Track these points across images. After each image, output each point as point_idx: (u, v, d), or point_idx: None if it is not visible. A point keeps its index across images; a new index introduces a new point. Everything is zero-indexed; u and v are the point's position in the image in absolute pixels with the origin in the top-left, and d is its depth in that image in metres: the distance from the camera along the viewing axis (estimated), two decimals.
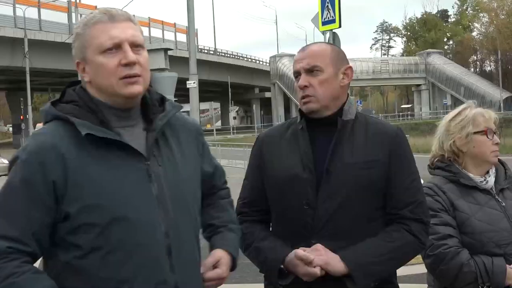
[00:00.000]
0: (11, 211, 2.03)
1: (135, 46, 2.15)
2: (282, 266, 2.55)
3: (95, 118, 2.12)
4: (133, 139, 2.15)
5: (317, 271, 2.44)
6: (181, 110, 2.38)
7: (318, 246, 2.50)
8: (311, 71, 2.60)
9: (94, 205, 2.04)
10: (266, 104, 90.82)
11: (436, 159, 3.20)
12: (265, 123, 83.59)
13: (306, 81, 2.60)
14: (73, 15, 50.09)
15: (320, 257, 2.46)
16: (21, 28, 48.44)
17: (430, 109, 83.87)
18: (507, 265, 2.88)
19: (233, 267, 2.39)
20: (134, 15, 2.23)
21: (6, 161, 28.83)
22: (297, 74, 2.66)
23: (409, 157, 2.67)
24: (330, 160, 2.56)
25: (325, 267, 2.45)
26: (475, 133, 3.06)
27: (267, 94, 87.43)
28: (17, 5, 50.22)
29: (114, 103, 2.16)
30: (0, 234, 1.99)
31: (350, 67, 2.70)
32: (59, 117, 2.12)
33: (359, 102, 79.71)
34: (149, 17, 64.54)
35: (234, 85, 77.53)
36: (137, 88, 2.13)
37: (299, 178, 2.58)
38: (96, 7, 55.60)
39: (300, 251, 2.48)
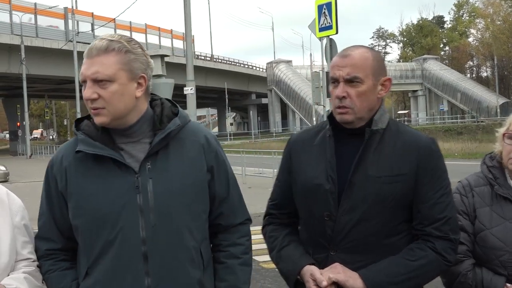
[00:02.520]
0: (43, 211, 2.50)
1: (98, 81, 2.29)
2: (298, 277, 2.53)
3: (100, 134, 2.36)
4: (134, 154, 2.37)
5: None
6: (188, 122, 2.48)
7: (337, 265, 2.45)
8: (351, 81, 2.47)
9: (79, 212, 2.36)
10: (263, 110, 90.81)
11: (490, 154, 2.93)
12: (262, 129, 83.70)
13: (344, 91, 2.47)
14: (70, 21, 50.01)
15: (339, 274, 2.41)
16: (18, 35, 48.33)
17: (427, 115, 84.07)
18: (507, 285, 2.71)
19: None
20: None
21: (3, 168, 28.86)
22: (334, 80, 2.53)
23: (440, 170, 2.52)
24: (354, 172, 2.47)
25: (344, 284, 2.40)
26: (504, 134, 2.81)
27: (264, 100, 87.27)
28: (13, 12, 50.10)
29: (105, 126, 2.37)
30: (40, 235, 2.50)
31: (389, 79, 2.57)
32: (75, 132, 2.42)
33: None
34: (145, 24, 64.55)
35: (231, 91, 77.50)
36: (100, 119, 2.33)
37: (322, 189, 2.51)
38: (92, 13, 55.71)
39: (316, 272, 2.45)
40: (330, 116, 2.59)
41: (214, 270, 2.51)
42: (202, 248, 2.42)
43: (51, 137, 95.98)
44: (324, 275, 2.42)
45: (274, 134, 74.80)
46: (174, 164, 2.37)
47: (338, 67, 2.50)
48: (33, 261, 2.53)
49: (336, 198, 2.48)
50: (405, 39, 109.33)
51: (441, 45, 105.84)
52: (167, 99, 2.54)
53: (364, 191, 2.44)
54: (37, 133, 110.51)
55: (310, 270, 2.47)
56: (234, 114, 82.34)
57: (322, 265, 2.49)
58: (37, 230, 2.51)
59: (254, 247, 2.64)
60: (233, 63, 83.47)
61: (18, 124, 60.28)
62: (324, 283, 2.39)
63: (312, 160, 2.58)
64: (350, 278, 2.40)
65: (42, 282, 2.57)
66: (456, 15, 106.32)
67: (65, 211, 2.41)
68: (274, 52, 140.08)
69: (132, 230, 2.29)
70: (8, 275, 2.45)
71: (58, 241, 2.46)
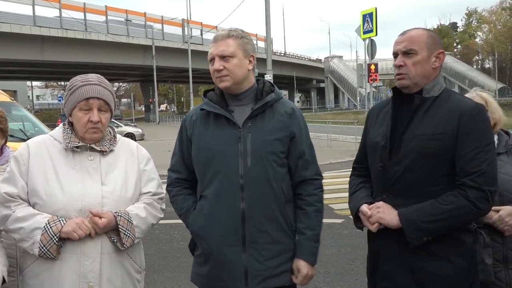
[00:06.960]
0: (175, 152, 2.57)
1: (223, 57, 2.35)
2: (359, 214, 2.41)
3: (218, 99, 2.44)
4: (241, 114, 2.39)
5: (373, 228, 2.31)
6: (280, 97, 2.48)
7: (380, 203, 2.31)
8: (407, 53, 2.28)
9: (199, 150, 2.42)
10: (321, 92, 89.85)
11: None
12: (319, 105, 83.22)
13: (401, 61, 2.30)
14: (185, 29, 50.52)
15: (376, 214, 2.28)
16: (150, 38, 49.30)
17: None
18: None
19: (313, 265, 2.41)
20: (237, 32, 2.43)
21: (140, 130, 29.77)
22: (395, 54, 2.35)
23: (480, 132, 2.17)
24: (404, 132, 2.27)
25: (380, 222, 2.27)
26: None
27: (322, 85, 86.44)
28: (147, 22, 51.04)
29: (226, 90, 2.43)
30: (172, 168, 2.58)
31: (443, 52, 2.32)
32: (202, 98, 2.55)
33: (389, 90, 77.44)
34: (241, 30, 64.29)
35: (298, 78, 76.79)
36: (224, 84, 2.38)
37: (378, 145, 2.35)
38: (201, 23, 55.91)
39: (364, 208, 2.35)
40: (395, 88, 2.40)
41: (296, 215, 2.44)
42: (283, 186, 2.38)
43: (172, 109, 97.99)
44: (371, 211, 2.33)
45: (328, 109, 74.17)
46: (267, 124, 2.37)
47: (398, 43, 2.33)
48: (152, 195, 2.49)
49: (388, 152, 2.30)
50: None
51: (455, 44, 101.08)
52: (268, 81, 2.55)
53: (410, 147, 2.23)
54: (163, 106, 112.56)
55: (361, 208, 2.38)
56: (300, 94, 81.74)
57: None
58: (161, 173, 2.52)
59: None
60: (299, 57, 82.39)
61: (150, 100, 61.89)
62: (369, 212, 2.31)
63: (378, 123, 2.43)
64: (387, 216, 2.26)
65: (161, 211, 2.54)
66: (467, 22, 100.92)
67: (190, 151, 2.48)
68: (330, 49, 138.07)
69: (234, 168, 2.32)
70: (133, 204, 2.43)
71: (184, 173, 2.53)
